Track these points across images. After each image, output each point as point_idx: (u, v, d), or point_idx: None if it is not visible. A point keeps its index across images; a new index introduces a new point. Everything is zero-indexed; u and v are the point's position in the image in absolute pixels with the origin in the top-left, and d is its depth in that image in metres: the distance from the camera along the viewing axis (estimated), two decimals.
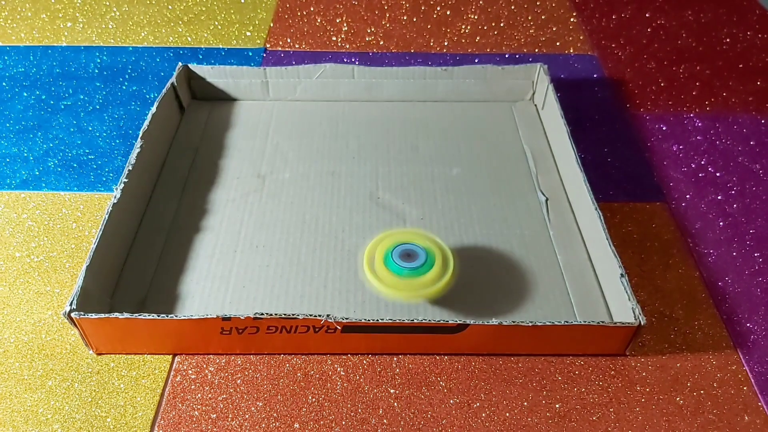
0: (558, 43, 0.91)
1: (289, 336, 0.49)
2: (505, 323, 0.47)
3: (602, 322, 0.48)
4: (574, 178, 0.62)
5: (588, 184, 0.58)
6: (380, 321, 0.47)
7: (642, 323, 0.47)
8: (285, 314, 0.47)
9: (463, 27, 0.94)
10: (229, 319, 0.47)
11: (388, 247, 0.54)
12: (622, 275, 0.50)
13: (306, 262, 0.57)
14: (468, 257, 0.58)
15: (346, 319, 0.47)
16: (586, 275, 0.56)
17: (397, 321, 0.47)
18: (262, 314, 0.47)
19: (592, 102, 0.80)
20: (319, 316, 0.47)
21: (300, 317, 0.47)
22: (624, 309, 0.49)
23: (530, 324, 0.47)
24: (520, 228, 0.61)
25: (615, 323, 0.48)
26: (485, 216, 0.62)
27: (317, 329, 0.48)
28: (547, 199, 0.63)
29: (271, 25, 0.94)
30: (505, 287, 0.55)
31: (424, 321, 0.47)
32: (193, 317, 0.47)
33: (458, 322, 0.47)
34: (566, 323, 0.47)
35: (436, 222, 0.61)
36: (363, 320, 0.47)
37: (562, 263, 0.57)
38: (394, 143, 0.71)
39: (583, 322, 0.48)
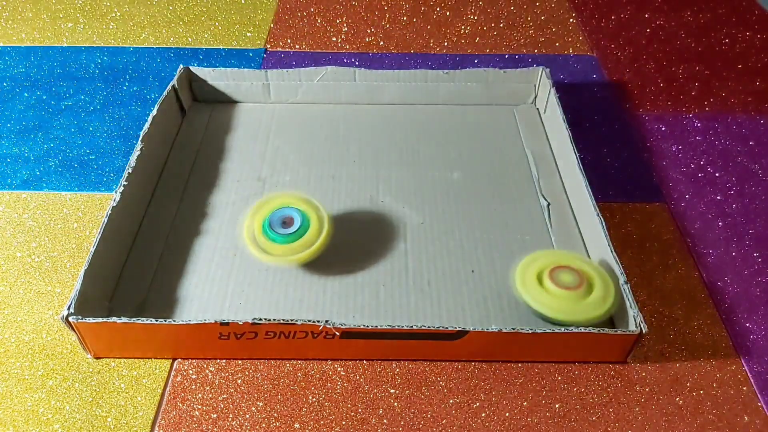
0: (557, 44, 0.91)
1: (288, 341, 0.49)
2: (504, 330, 0.47)
3: (602, 329, 0.48)
4: (576, 183, 0.62)
5: (590, 190, 0.58)
6: (379, 327, 0.47)
7: (643, 331, 0.47)
8: (283, 319, 0.47)
9: (463, 28, 0.94)
10: (227, 324, 0.47)
11: (265, 216, 0.56)
12: (625, 282, 0.50)
13: (305, 266, 0.57)
14: (468, 261, 0.58)
15: (345, 325, 0.47)
16: None
17: (396, 327, 0.47)
18: (261, 319, 0.47)
19: (592, 102, 0.80)
20: (318, 321, 0.47)
21: (298, 323, 0.47)
22: (626, 316, 0.49)
23: (530, 331, 0.47)
24: (521, 233, 0.61)
25: (616, 331, 0.48)
26: (486, 220, 0.62)
27: (316, 335, 0.48)
28: (548, 204, 0.63)
29: (272, 25, 0.94)
30: (505, 293, 0.55)
31: (423, 327, 0.47)
32: (191, 322, 0.47)
33: (458, 328, 0.47)
34: (566, 330, 0.47)
35: (437, 226, 0.61)
36: (362, 326, 0.47)
37: None
38: (395, 147, 0.71)
39: (583, 330, 0.48)
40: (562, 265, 0.52)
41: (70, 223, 0.62)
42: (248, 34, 0.92)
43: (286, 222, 0.55)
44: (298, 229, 0.55)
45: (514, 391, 0.49)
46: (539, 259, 0.53)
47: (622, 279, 0.50)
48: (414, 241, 0.60)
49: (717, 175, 0.69)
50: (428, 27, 0.95)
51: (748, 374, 0.51)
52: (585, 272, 0.51)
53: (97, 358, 0.51)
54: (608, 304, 0.49)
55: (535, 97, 0.77)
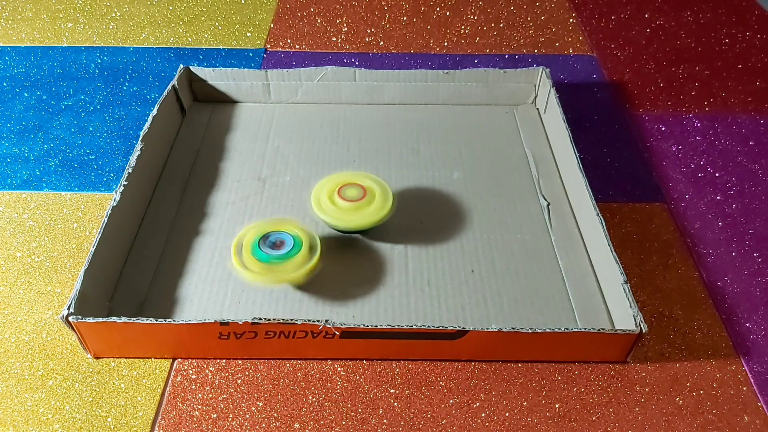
0: (557, 44, 0.91)
1: (288, 341, 0.49)
2: (504, 329, 0.47)
3: (602, 329, 0.48)
4: (576, 183, 0.62)
5: (590, 190, 0.58)
6: (379, 327, 0.47)
7: (643, 330, 0.47)
8: (283, 319, 0.47)
9: (463, 28, 0.94)
10: (227, 323, 0.47)
11: (255, 236, 0.55)
12: (625, 282, 0.50)
13: None
14: (468, 261, 0.58)
15: (345, 324, 0.47)
16: (588, 281, 0.56)
17: (396, 327, 0.47)
18: (260, 319, 0.47)
19: (592, 102, 0.80)
20: (318, 321, 0.47)
21: (298, 322, 0.47)
22: (626, 316, 0.49)
23: (530, 330, 0.47)
24: (521, 233, 0.61)
25: (616, 330, 0.48)
26: (486, 220, 0.62)
27: (315, 334, 0.48)
28: (548, 204, 0.63)
29: (272, 25, 0.94)
30: (505, 292, 0.55)
31: (423, 327, 0.47)
32: (191, 322, 0.47)
33: (457, 328, 0.47)
34: (566, 330, 0.47)
35: (436, 226, 0.61)
36: (362, 326, 0.47)
37: (563, 269, 0.57)
38: (395, 146, 0.71)
39: (583, 329, 0.48)
40: (349, 183, 0.60)
41: (70, 223, 0.62)
42: (248, 34, 0.92)
43: (277, 244, 0.54)
44: (287, 252, 0.53)
45: (514, 391, 0.49)
46: (330, 181, 0.60)
47: (621, 279, 0.50)
48: (414, 241, 0.60)
49: (717, 175, 0.69)
50: (428, 27, 0.95)
51: (748, 374, 0.51)
52: (368, 186, 0.59)
53: (97, 358, 0.51)
54: (384, 211, 0.57)
55: (535, 97, 0.77)
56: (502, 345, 0.49)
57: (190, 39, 0.91)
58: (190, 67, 0.74)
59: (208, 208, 0.63)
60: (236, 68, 0.75)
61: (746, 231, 0.63)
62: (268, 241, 0.54)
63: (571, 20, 0.97)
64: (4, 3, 0.99)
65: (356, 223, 0.57)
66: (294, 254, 0.53)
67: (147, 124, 0.64)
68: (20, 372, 0.50)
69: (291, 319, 0.47)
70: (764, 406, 0.49)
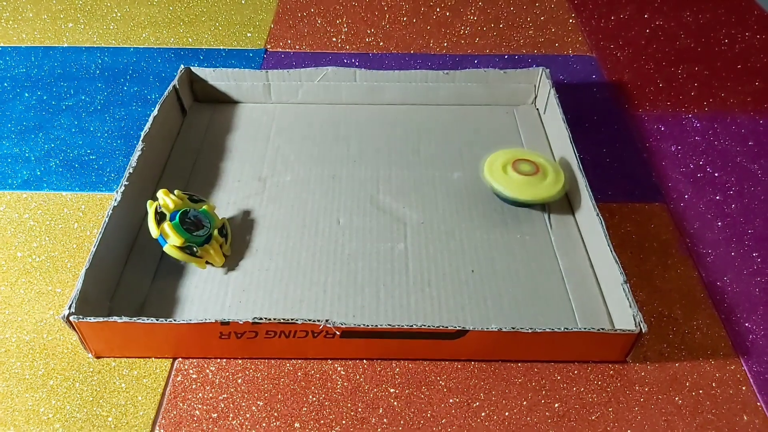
0: (557, 44, 0.91)
1: (288, 341, 0.49)
2: (504, 329, 0.47)
3: (602, 329, 0.48)
4: (576, 183, 0.62)
5: (590, 190, 0.59)
6: (379, 326, 0.47)
7: (643, 330, 0.47)
8: (284, 319, 0.47)
9: (463, 28, 0.95)
10: (227, 323, 0.47)
11: (180, 208, 0.57)
12: (624, 282, 0.50)
13: (306, 266, 0.57)
14: (468, 261, 0.58)
15: (345, 324, 0.47)
16: (588, 281, 0.56)
17: (396, 326, 0.47)
18: (261, 319, 0.47)
19: (591, 103, 0.80)
20: (318, 321, 0.47)
21: (299, 322, 0.47)
22: (626, 316, 0.49)
23: (530, 330, 0.47)
24: (521, 233, 0.61)
25: (615, 330, 0.48)
26: (486, 220, 0.62)
27: (316, 334, 0.48)
28: (548, 204, 0.64)
29: (272, 26, 0.94)
30: (505, 292, 0.55)
31: (423, 327, 0.47)
32: (191, 321, 0.47)
33: (458, 328, 0.47)
34: (566, 330, 0.47)
35: (437, 226, 0.62)
36: (362, 325, 0.48)
37: (563, 268, 0.57)
38: (395, 147, 0.71)
39: (583, 329, 0.48)
40: (521, 158, 0.63)
41: (70, 223, 0.62)
42: (248, 35, 0.92)
43: (196, 223, 0.56)
44: (204, 233, 0.56)
45: (513, 390, 0.49)
46: (503, 155, 0.64)
47: (621, 279, 0.51)
48: (414, 241, 0.60)
49: (716, 175, 0.69)
50: (428, 27, 0.95)
51: (748, 374, 0.51)
52: (541, 163, 0.63)
53: (97, 358, 0.51)
54: (558, 187, 0.61)
55: (535, 98, 0.77)
56: (502, 345, 0.49)
57: (190, 39, 0.91)
58: (191, 68, 0.74)
59: None
60: (237, 68, 0.75)
61: (746, 231, 0.63)
62: (189, 215, 0.56)
63: (570, 20, 0.97)
64: (4, 3, 0.99)
65: (529, 196, 0.60)
66: (209, 240, 0.56)
67: (148, 125, 0.64)
68: (21, 371, 0.50)
69: (291, 319, 0.47)
70: (763, 406, 0.49)
